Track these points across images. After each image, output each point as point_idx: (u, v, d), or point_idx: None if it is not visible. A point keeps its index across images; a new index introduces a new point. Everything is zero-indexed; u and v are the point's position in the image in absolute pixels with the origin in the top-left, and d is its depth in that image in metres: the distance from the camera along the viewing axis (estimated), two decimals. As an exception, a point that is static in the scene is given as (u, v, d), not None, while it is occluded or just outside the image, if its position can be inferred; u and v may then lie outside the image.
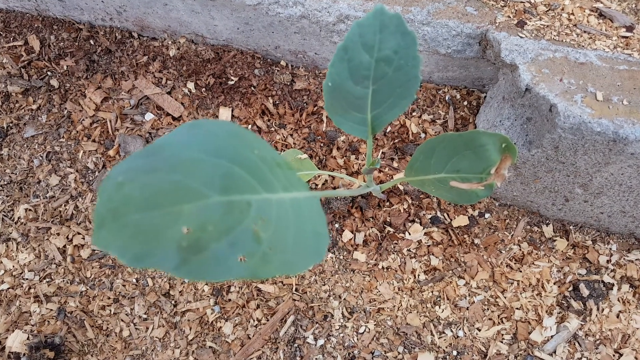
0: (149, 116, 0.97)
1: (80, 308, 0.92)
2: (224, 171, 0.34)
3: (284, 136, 0.94)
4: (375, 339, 0.84)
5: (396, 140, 0.90)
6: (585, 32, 0.74)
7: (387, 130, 0.91)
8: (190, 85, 0.97)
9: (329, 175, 0.90)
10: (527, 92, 0.69)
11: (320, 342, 0.84)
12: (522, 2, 0.77)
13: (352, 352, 0.83)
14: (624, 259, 0.83)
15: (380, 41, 0.44)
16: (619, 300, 0.81)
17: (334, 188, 0.91)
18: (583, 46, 0.72)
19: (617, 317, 0.80)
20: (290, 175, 0.38)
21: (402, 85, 0.48)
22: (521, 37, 0.72)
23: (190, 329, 0.88)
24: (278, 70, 0.96)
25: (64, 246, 0.95)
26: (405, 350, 0.83)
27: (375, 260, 0.88)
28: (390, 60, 0.45)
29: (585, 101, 0.65)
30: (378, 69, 0.46)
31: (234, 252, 0.31)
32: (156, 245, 0.28)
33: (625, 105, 0.65)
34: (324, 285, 0.88)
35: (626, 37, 0.73)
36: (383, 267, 0.88)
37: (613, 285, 0.81)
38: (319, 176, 0.91)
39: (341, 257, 0.89)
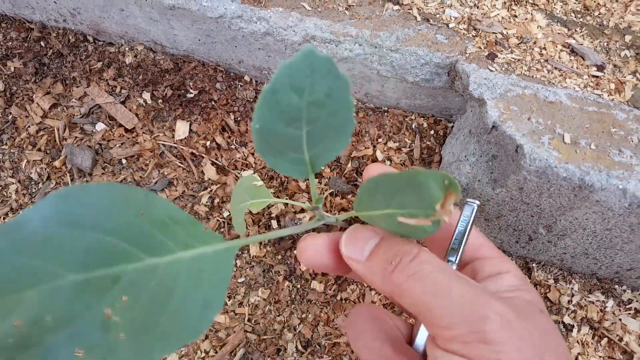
0: (100, 126, 0.91)
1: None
2: (91, 244, 0.29)
3: (244, 155, 0.89)
4: (328, 375, 0.80)
5: (361, 167, 0.87)
6: (556, 68, 0.72)
7: (352, 155, 0.87)
8: (146, 95, 0.91)
9: (286, 202, 0.86)
10: (494, 129, 0.66)
11: (271, 377, 0.80)
12: (494, 32, 0.74)
13: (304, 389, 0.79)
14: (585, 299, 0.81)
15: (312, 84, 0.40)
16: (578, 342, 0.79)
17: (295, 212, 0.87)
18: (553, 83, 0.70)
19: (576, 359, 0.78)
20: (193, 230, 0.33)
21: (336, 130, 0.44)
22: (491, 71, 0.69)
23: (133, 358, 0.82)
24: (241, 85, 0.91)
25: (1, 262, 0.88)
26: (359, 388, 0.79)
27: (334, 291, 0.84)
28: (323, 104, 0.41)
29: (553, 143, 0.63)
30: (310, 112, 0.41)
31: (70, 345, 0.26)
32: None
33: (593, 149, 0.63)
34: (278, 315, 0.84)
35: (597, 77, 0.71)
36: (341, 299, 0.84)
37: (573, 326, 0.79)
38: (273, 205, 0.86)
39: (298, 286, 0.85)
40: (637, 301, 0.83)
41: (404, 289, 0.35)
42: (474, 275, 0.40)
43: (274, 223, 0.86)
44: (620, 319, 0.80)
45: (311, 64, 0.40)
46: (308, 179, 0.86)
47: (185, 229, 0.34)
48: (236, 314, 0.83)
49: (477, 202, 0.42)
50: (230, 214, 0.87)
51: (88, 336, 0.27)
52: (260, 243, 0.86)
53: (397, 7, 0.76)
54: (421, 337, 0.39)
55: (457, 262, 0.42)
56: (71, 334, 0.27)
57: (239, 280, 0.85)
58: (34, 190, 0.91)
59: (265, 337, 0.82)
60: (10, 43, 0.95)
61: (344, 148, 0.43)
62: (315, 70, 0.41)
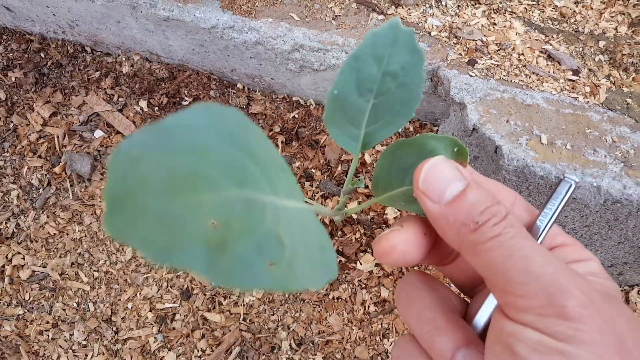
0: (99, 133, 0.94)
1: (16, 332, 0.87)
2: (238, 163, 0.28)
3: (238, 160, 0.92)
4: (320, 372, 0.83)
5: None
6: (534, 73, 0.75)
7: (342, 159, 0.90)
8: (143, 103, 0.94)
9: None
10: (475, 131, 0.69)
11: (265, 374, 0.82)
12: (474, 40, 0.78)
13: (297, 385, 0.82)
14: (568, 295, 0.84)
15: (390, 55, 0.42)
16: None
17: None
18: (531, 87, 0.73)
19: None
20: (292, 183, 0.34)
21: (402, 103, 0.45)
22: (471, 76, 0.73)
23: (132, 357, 0.85)
24: (234, 93, 0.94)
25: (3, 266, 0.91)
26: (351, 384, 0.82)
27: (326, 290, 0.87)
28: (396, 75, 0.43)
29: (530, 144, 0.66)
30: (383, 83, 0.43)
31: (260, 255, 0.26)
32: (182, 238, 0.23)
33: (569, 149, 0.66)
34: (272, 315, 0.86)
35: (572, 81, 0.74)
36: (333, 298, 0.87)
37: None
38: None
39: (291, 286, 0.87)
40: (619, 297, 0.86)
41: (481, 250, 0.32)
42: None
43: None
44: (602, 314, 0.83)
45: (395, 34, 0.42)
46: (301, 181, 0.90)
47: (287, 178, 0.34)
48: (231, 314, 0.86)
49: (576, 180, 0.36)
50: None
51: (271, 249, 0.26)
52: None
53: (381, 16, 0.79)
54: (483, 313, 0.36)
55: (542, 237, 0.37)
56: (257, 245, 0.26)
57: (234, 281, 0.87)
58: (34, 196, 0.94)
59: (260, 335, 0.84)
60: (11, 54, 0.99)
61: (404, 123, 0.45)
62: (397, 41, 0.43)
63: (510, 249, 0.31)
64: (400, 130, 0.88)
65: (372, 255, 0.87)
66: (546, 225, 0.37)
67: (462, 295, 0.41)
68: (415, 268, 0.87)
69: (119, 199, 0.22)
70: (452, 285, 0.42)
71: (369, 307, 0.86)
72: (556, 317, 0.29)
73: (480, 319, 0.35)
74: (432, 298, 0.39)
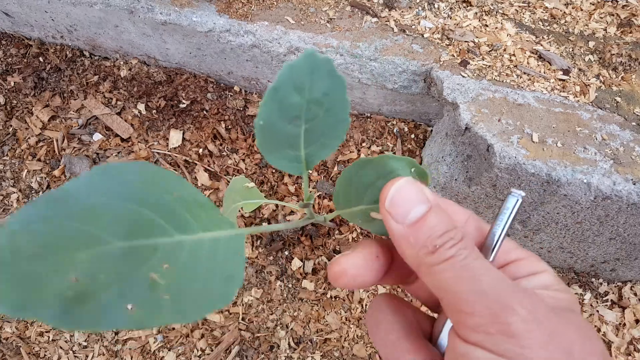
0: (97, 136, 0.95)
1: (17, 334, 0.88)
2: (131, 216, 0.33)
3: (235, 161, 0.93)
4: (319, 370, 0.84)
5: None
6: (525, 73, 0.77)
7: (338, 159, 0.91)
8: (141, 106, 0.95)
9: (277, 203, 0.90)
10: (467, 130, 0.70)
11: (264, 373, 0.83)
12: (466, 41, 0.79)
13: (296, 383, 0.83)
14: (562, 292, 0.85)
15: (311, 83, 0.44)
16: (556, 332, 0.83)
17: (284, 215, 0.91)
18: (522, 87, 0.75)
19: None
20: (212, 214, 0.37)
21: (332, 127, 0.48)
22: (463, 77, 0.74)
23: (132, 358, 0.85)
24: (231, 95, 0.95)
25: (3, 269, 0.91)
26: (349, 381, 0.83)
27: (324, 289, 0.88)
28: (321, 102, 0.45)
29: (522, 142, 0.67)
30: (309, 110, 0.46)
31: (123, 301, 0.30)
32: (38, 295, 0.27)
33: (559, 147, 0.67)
34: (271, 314, 0.87)
35: (563, 80, 0.76)
36: (331, 297, 0.88)
37: (551, 317, 0.83)
38: (266, 205, 0.90)
39: (290, 285, 0.89)
40: (612, 293, 0.87)
41: (436, 271, 0.34)
42: (509, 277, 0.38)
43: (264, 224, 0.90)
44: (597, 311, 0.84)
45: (312, 64, 0.44)
46: (298, 181, 0.92)
47: (205, 211, 0.37)
48: (230, 314, 0.87)
49: (523, 194, 0.37)
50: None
51: (137, 294, 0.31)
52: (253, 244, 0.90)
53: (375, 19, 0.81)
54: (444, 333, 0.37)
55: (493, 256, 0.39)
56: (122, 292, 0.30)
57: (232, 281, 0.88)
58: (34, 199, 0.94)
59: (259, 334, 0.85)
60: (10, 59, 1.00)
61: (337, 146, 0.47)
62: (315, 70, 0.45)
63: (461, 270, 0.33)
64: (395, 131, 0.89)
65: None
66: (497, 241, 0.39)
67: (430, 313, 0.42)
68: (384, 289, 0.88)
69: None
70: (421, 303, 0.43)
71: (366, 305, 0.87)
72: (501, 334, 0.30)
73: (443, 339, 0.36)
74: (396, 321, 0.40)
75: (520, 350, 0.30)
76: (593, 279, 0.86)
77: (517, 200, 0.37)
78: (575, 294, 0.85)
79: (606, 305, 0.86)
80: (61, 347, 0.87)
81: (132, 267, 0.31)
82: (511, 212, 0.38)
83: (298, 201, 0.90)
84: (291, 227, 0.54)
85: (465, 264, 0.33)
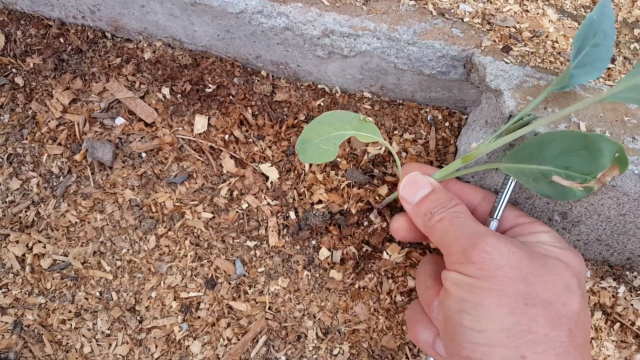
0: (120, 121, 0.93)
1: (39, 321, 0.86)
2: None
3: (262, 148, 0.91)
4: (348, 361, 0.82)
5: (377, 158, 0.89)
6: (568, 60, 0.74)
7: (368, 149, 0.89)
8: (165, 90, 0.93)
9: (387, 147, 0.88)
10: (512, 118, 0.68)
11: (293, 364, 0.82)
12: (507, 27, 0.77)
13: (325, 374, 0.81)
14: (598, 285, 0.83)
15: None
16: (592, 327, 0.81)
17: (312, 204, 0.89)
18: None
19: (590, 343, 0.80)
20: None
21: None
22: (506, 63, 0.72)
23: (156, 347, 0.84)
24: (258, 80, 0.93)
25: (23, 255, 0.89)
26: (379, 373, 0.81)
27: (352, 279, 0.86)
28: None
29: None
30: None
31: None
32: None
33: (608, 137, 0.65)
34: (298, 304, 0.85)
35: (608, 69, 0.74)
36: (360, 287, 0.86)
37: (586, 311, 0.82)
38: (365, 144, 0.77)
39: (317, 275, 0.87)
40: (646, 287, 0.85)
41: (432, 229, 0.50)
42: (514, 235, 0.54)
43: (292, 216, 0.88)
44: (632, 304, 0.83)
45: None
46: (326, 169, 0.95)
47: None
48: (257, 302, 0.85)
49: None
50: (249, 205, 0.89)
51: None
52: (279, 233, 0.88)
53: (412, 2, 0.78)
54: None
55: (497, 217, 0.54)
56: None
57: (259, 270, 0.87)
58: (55, 184, 0.92)
59: (286, 324, 0.84)
60: (29, 40, 0.97)
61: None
62: None
63: (448, 225, 0.49)
64: (429, 118, 0.87)
65: (399, 245, 0.86)
66: (498, 208, 0.57)
67: None
68: (393, 288, 0.86)
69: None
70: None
71: (395, 296, 0.85)
72: (467, 261, 0.46)
73: None
74: (430, 270, 0.61)
75: (479, 272, 0.45)
76: (627, 272, 0.85)
77: (514, 180, 0.54)
78: (610, 287, 0.84)
79: None
80: (84, 335, 0.86)
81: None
82: (508, 189, 0.57)
83: (326, 190, 0.88)
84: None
85: (450, 222, 0.49)
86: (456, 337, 0.45)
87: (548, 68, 0.73)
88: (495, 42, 0.75)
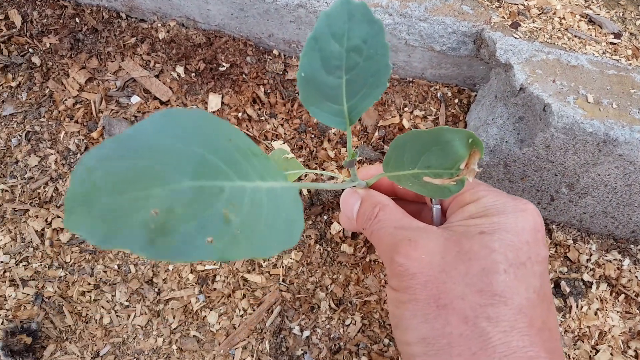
0: (135, 99, 0.95)
1: (59, 293, 0.89)
2: (196, 158, 0.34)
3: (274, 126, 0.93)
4: (361, 331, 0.84)
5: (387, 135, 0.91)
6: (576, 36, 0.76)
7: (379, 124, 0.91)
8: (180, 69, 0.95)
9: (318, 173, 0.90)
10: (521, 91, 0.70)
11: (306, 333, 0.84)
12: (515, 4, 0.78)
13: (338, 343, 0.84)
14: (603, 258, 0.86)
15: (349, 30, 0.45)
16: (597, 298, 0.83)
17: (324, 181, 0.91)
18: (574, 50, 0.74)
19: (595, 314, 0.83)
20: (267, 164, 0.38)
21: (374, 75, 0.49)
22: (515, 38, 0.74)
23: (174, 317, 0.86)
24: (270, 59, 0.95)
25: (43, 229, 0.92)
26: (391, 342, 0.84)
27: (363, 253, 0.89)
28: (360, 49, 0.46)
29: (578, 102, 0.67)
30: (349, 58, 0.46)
31: (202, 234, 0.32)
32: (123, 226, 0.28)
33: (615, 108, 0.67)
34: (311, 276, 0.88)
35: (614, 44, 0.75)
36: (370, 260, 0.88)
37: (592, 283, 0.84)
38: (306, 175, 0.90)
39: (329, 249, 0.89)
40: (650, 260, 0.88)
41: (373, 242, 0.50)
42: (450, 214, 0.51)
43: (304, 192, 0.90)
44: (636, 276, 0.85)
45: (348, 11, 0.44)
46: (337, 146, 0.91)
47: (260, 161, 0.38)
48: (271, 275, 0.87)
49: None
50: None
51: (214, 227, 0.31)
52: (292, 208, 0.90)
53: (424, -21, 0.80)
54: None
55: (435, 202, 0.53)
56: (200, 225, 0.31)
57: (273, 244, 0.89)
58: (72, 161, 0.94)
59: (299, 295, 0.86)
60: (45, 20, 0.99)
61: (380, 94, 0.46)
62: (352, 17, 0.45)
63: (376, 238, 0.49)
64: (439, 95, 0.89)
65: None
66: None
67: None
68: None
69: (74, 202, 0.27)
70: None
71: (405, 269, 0.87)
72: (392, 275, 0.45)
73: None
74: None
75: (399, 284, 0.44)
76: (632, 246, 0.87)
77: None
78: (615, 259, 0.86)
79: (643, 272, 0.87)
80: (103, 307, 0.88)
81: (206, 203, 0.32)
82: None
83: (338, 167, 0.90)
84: (336, 187, 0.55)
85: (377, 234, 0.49)
86: (400, 352, 0.47)
87: (556, 43, 0.75)
88: (504, 18, 0.76)
